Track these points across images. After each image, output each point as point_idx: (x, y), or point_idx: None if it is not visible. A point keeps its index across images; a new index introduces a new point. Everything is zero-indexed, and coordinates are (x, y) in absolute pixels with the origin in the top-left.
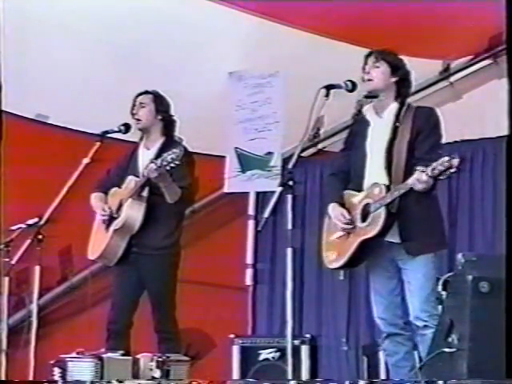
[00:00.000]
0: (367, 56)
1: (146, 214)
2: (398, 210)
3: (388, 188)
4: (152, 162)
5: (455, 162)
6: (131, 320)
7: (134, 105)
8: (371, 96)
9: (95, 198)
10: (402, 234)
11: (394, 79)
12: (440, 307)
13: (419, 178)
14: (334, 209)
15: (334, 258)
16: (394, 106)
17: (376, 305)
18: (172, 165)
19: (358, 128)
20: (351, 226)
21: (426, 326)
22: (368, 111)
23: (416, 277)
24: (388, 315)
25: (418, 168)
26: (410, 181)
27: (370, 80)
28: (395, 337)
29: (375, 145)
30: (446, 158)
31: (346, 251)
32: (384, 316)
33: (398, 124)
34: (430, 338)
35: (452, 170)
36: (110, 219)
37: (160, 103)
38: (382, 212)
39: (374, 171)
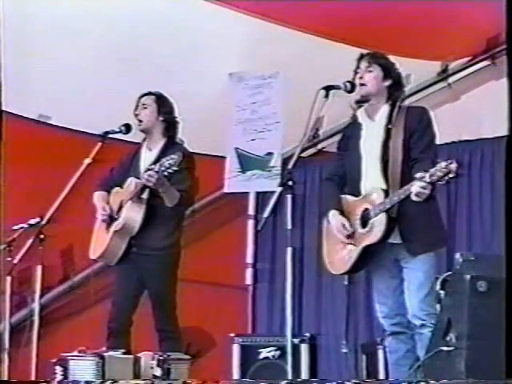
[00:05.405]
0: (359, 59)
1: (146, 215)
2: (397, 213)
3: (386, 192)
4: (150, 169)
5: (453, 166)
6: (131, 319)
7: (137, 105)
8: (362, 101)
9: (98, 197)
10: (402, 235)
11: (386, 83)
12: (438, 306)
13: (417, 187)
14: (334, 217)
15: (337, 266)
16: (385, 109)
17: (380, 305)
18: (170, 170)
19: (351, 131)
20: (351, 240)
21: (423, 325)
22: (360, 114)
23: (416, 275)
24: (392, 315)
25: (417, 175)
26: (410, 188)
27: (363, 85)
28: (399, 335)
29: (369, 147)
30: (444, 164)
31: (350, 258)
32: (388, 316)
33: (390, 126)
34: (428, 337)
35: (451, 176)
36: (111, 219)
37: (162, 104)
38: (383, 217)
39: (371, 174)
